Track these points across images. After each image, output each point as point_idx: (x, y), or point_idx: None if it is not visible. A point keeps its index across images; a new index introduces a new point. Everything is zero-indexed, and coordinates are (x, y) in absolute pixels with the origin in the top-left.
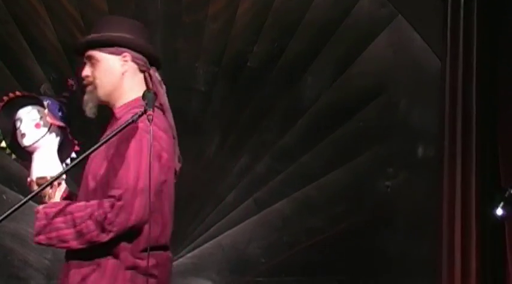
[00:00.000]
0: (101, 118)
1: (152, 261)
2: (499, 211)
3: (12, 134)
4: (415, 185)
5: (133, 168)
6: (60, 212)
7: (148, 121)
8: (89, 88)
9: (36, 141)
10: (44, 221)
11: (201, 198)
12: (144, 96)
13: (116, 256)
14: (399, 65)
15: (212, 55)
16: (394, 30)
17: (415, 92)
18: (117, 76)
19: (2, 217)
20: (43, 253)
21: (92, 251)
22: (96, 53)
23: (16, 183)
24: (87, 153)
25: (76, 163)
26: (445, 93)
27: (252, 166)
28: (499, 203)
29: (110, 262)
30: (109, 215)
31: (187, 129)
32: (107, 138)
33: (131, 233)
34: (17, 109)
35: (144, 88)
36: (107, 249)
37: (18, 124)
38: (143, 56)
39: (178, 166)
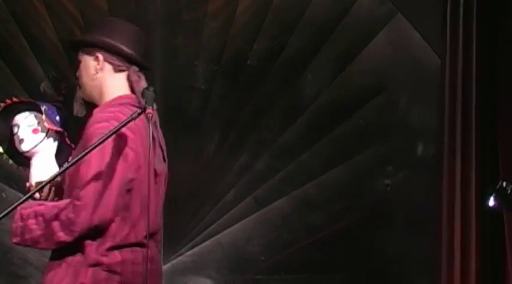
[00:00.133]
0: None
1: (117, 258)
2: (491, 202)
3: (9, 140)
4: (414, 183)
5: (94, 167)
6: (33, 213)
7: (148, 120)
8: (78, 87)
9: (34, 147)
10: (19, 223)
11: (200, 196)
12: (143, 94)
13: (81, 254)
14: (399, 63)
15: (212, 53)
16: (393, 28)
17: (415, 90)
18: (91, 76)
19: (1, 215)
20: (43, 251)
21: (61, 250)
22: (80, 54)
23: (15, 181)
24: (81, 155)
25: (70, 166)
26: (445, 90)
27: (251, 164)
28: (491, 194)
29: (74, 259)
30: (70, 215)
31: (186, 127)
32: (106, 137)
33: (97, 232)
34: (14, 115)
35: (124, 88)
36: (74, 247)
37: (15, 130)
38: (120, 56)
39: (162, 166)
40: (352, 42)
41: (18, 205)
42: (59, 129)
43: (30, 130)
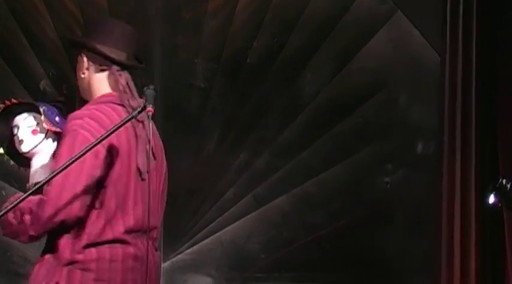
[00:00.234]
0: None
1: (92, 255)
2: (491, 199)
3: (10, 141)
4: (414, 181)
5: (62, 163)
6: (13, 207)
7: (147, 118)
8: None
9: (34, 147)
10: (3, 217)
11: (200, 194)
12: (143, 93)
13: (57, 252)
14: (398, 61)
15: (211, 51)
16: (393, 26)
17: (415, 88)
18: (80, 75)
19: (1, 213)
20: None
21: (44, 249)
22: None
23: (15, 178)
24: (77, 155)
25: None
26: (445, 88)
27: (251, 163)
28: (491, 192)
29: (51, 258)
30: (38, 210)
31: (186, 126)
32: (104, 136)
33: (72, 229)
34: (14, 116)
35: (107, 86)
36: (52, 246)
37: (15, 131)
38: (101, 56)
39: (153, 164)
40: (352, 40)
41: (18, 204)
42: (58, 129)
43: (30, 131)
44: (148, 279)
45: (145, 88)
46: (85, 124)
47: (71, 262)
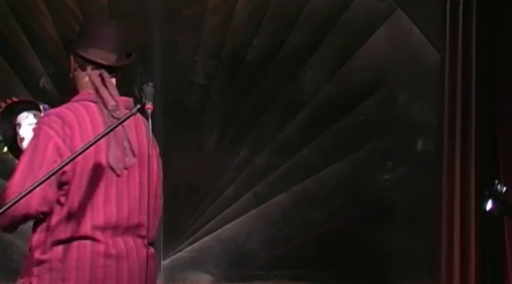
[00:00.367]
0: None
1: (58, 254)
2: (488, 205)
3: (13, 139)
4: (414, 179)
5: (26, 157)
6: None
7: (147, 115)
8: None
9: None
10: None
11: (200, 191)
12: (142, 90)
13: (30, 251)
14: (398, 59)
15: (211, 48)
16: (393, 24)
17: (415, 86)
18: (70, 76)
19: (1, 211)
20: None
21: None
22: None
23: None
24: (76, 153)
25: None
26: (445, 86)
27: (251, 160)
28: (488, 197)
29: (28, 257)
30: (2, 203)
31: (186, 123)
32: (103, 135)
33: (41, 227)
34: (16, 115)
35: (87, 85)
36: (29, 244)
37: (17, 129)
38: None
39: (132, 160)
40: (352, 37)
41: (17, 201)
42: None
43: (30, 129)
44: (129, 276)
45: (144, 85)
46: (49, 120)
47: (39, 263)
